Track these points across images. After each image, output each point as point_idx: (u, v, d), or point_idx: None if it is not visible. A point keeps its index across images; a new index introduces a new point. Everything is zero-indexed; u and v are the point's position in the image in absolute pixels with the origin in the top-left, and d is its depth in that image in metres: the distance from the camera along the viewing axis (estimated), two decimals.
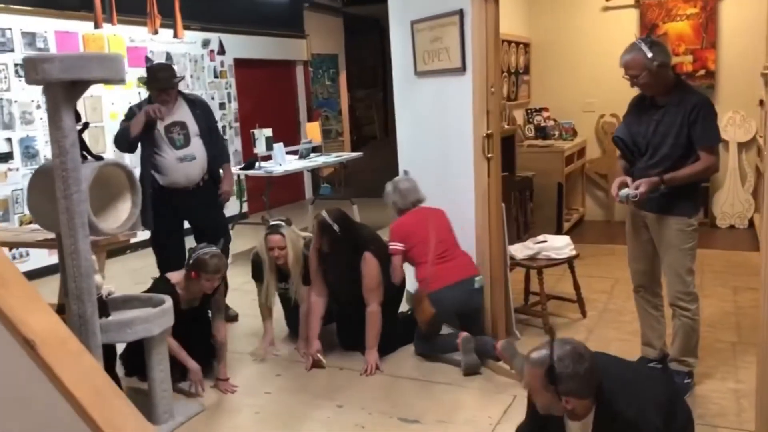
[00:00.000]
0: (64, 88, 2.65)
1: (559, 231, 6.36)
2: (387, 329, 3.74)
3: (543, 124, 7.22)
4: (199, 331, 3.65)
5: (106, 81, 2.81)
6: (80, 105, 6.64)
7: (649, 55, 2.98)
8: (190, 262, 3.49)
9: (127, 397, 2.56)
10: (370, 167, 9.14)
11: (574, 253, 4.34)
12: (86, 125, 2.84)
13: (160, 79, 4.13)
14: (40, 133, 6.09)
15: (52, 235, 3.18)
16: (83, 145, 2.81)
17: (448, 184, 4.04)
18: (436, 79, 4.07)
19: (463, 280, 3.69)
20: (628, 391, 2.06)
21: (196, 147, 4.23)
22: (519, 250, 4.30)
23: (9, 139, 5.86)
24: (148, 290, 3.53)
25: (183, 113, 4.23)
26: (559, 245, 4.30)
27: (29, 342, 2.46)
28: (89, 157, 2.88)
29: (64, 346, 2.54)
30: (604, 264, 5.61)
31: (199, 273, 3.44)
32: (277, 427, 3.15)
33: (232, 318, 4.51)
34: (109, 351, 3.20)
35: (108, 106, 6.79)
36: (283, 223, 3.86)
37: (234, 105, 8.53)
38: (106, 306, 2.94)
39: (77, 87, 2.71)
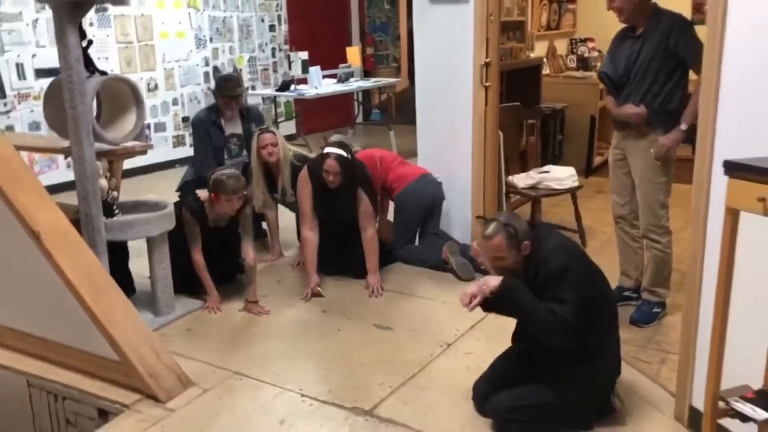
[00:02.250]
0: (68, 7, 2.91)
1: (589, 164, 6.38)
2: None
3: (587, 54, 7.10)
4: (227, 250, 3.75)
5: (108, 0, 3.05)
6: (130, 24, 7.00)
7: None
8: (210, 183, 3.55)
9: (120, 290, 2.94)
10: None
11: (576, 184, 4.41)
12: (90, 42, 3.11)
13: (227, 87, 4.41)
14: (93, 49, 6.42)
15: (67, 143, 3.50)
16: (89, 61, 3.08)
17: (453, 111, 4.16)
18: (446, 6, 4.13)
19: (423, 174, 4.16)
20: (556, 236, 2.55)
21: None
22: (521, 180, 4.40)
23: None
24: (177, 203, 3.67)
25: (238, 126, 4.53)
26: (562, 176, 4.38)
27: (35, 233, 2.83)
28: (96, 72, 3.16)
29: (65, 238, 2.91)
30: None
31: (218, 194, 3.49)
32: (265, 321, 3.47)
33: (263, 235, 4.73)
34: (121, 249, 3.56)
35: (159, 26, 7.08)
36: (272, 126, 4.29)
37: (284, 27, 8.68)
38: (110, 207, 3.27)
39: (81, 6, 2.96)
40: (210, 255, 3.63)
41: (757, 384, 2.02)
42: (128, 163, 4.32)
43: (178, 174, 5.12)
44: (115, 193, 3.30)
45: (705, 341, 2.28)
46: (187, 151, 7.25)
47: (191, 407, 2.69)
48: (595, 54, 7.07)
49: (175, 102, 7.32)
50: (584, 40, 7.18)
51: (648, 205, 3.26)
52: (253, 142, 4.15)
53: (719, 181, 2.10)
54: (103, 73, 3.19)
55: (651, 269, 3.37)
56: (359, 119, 9.69)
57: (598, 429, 2.52)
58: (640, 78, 3.21)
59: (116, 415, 2.71)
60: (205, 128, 4.41)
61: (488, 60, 3.79)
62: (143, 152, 3.86)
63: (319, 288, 3.76)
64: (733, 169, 1.78)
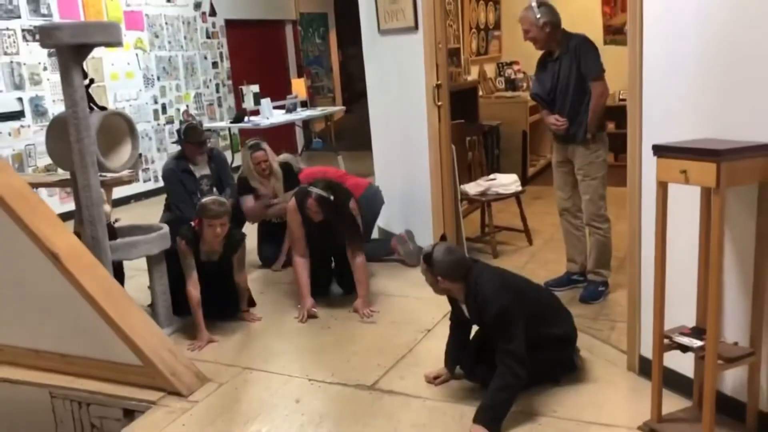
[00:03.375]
0: (72, 51, 3.25)
1: (524, 174, 6.98)
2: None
3: (513, 76, 7.76)
4: (220, 285, 3.81)
5: (108, 44, 3.40)
6: (85, 65, 7.24)
7: (538, 15, 3.64)
8: (197, 209, 3.73)
9: (134, 302, 3.25)
10: (361, 122, 9.73)
11: (519, 188, 4.95)
12: (92, 81, 3.43)
13: (195, 134, 4.74)
14: (47, 92, 6.67)
15: (66, 176, 3.78)
16: (90, 98, 3.40)
17: (407, 129, 4.66)
18: (395, 36, 4.64)
19: (370, 183, 4.91)
20: (488, 277, 2.82)
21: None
22: (472, 188, 4.91)
23: (20, 99, 6.45)
24: (172, 232, 3.80)
25: (206, 167, 4.84)
26: (507, 182, 4.91)
27: (54, 255, 3.13)
28: (95, 108, 3.48)
29: (81, 258, 3.22)
30: None
31: (201, 219, 3.64)
32: (260, 326, 3.81)
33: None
34: (117, 272, 3.83)
35: (109, 67, 7.34)
36: (260, 140, 4.66)
37: (226, 64, 9.06)
38: (114, 230, 3.57)
39: (83, 50, 3.30)
40: (205, 290, 3.71)
41: (691, 324, 2.54)
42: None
43: (134, 209, 5.38)
44: (118, 217, 3.60)
45: (647, 300, 2.81)
46: (141, 186, 7.50)
47: (212, 398, 3.01)
48: (521, 75, 7.74)
49: None
50: (510, 63, 7.85)
51: (590, 197, 3.81)
52: (244, 157, 4.68)
53: (648, 162, 2.62)
54: (103, 108, 3.50)
55: (594, 253, 3.91)
56: (299, 148, 10.12)
57: (565, 384, 2.99)
58: (563, 94, 3.81)
59: (142, 413, 3.00)
60: (177, 178, 4.68)
61: (439, 82, 4.28)
62: (129, 182, 4.17)
63: (314, 309, 3.92)
64: (660, 150, 2.31)
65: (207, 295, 3.71)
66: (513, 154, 6.96)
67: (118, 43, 3.41)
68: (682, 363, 2.66)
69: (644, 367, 2.93)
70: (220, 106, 8.88)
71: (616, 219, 4.67)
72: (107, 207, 3.50)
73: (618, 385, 2.96)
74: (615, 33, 7.38)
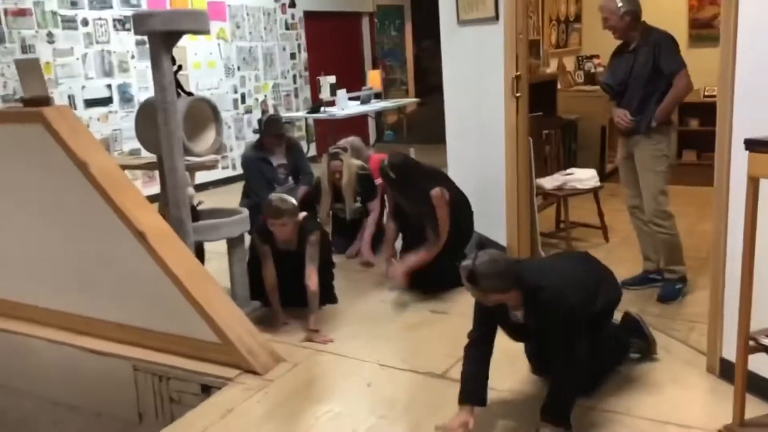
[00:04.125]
0: (163, 38, 3.37)
1: (602, 170, 6.82)
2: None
3: (593, 70, 7.59)
4: (297, 274, 3.66)
5: (196, 32, 3.52)
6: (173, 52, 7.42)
7: (619, 4, 3.56)
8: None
9: (214, 279, 3.36)
10: (434, 115, 9.74)
11: (597, 184, 4.85)
12: (180, 67, 3.55)
13: (274, 127, 5.00)
14: (134, 80, 6.94)
15: (151, 159, 3.93)
16: (177, 84, 3.53)
17: (484, 121, 4.63)
18: (475, 27, 4.61)
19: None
20: (546, 278, 2.62)
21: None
22: (548, 182, 4.84)
23: (109, 85, 6.74)
24: (251, 217, 3.93)
25: (283, 157, 5.10)
26: (584, 177, 4.82)
27: (141, 233, 3.27)
28: (182, 93, 3.60)
29: (166, 238, 3.35)
30: None
31: (266, 217, 3.65)
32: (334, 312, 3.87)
33: None
34: (199, 251, 3.97)
35: (191, 56, 7.57)
36: (341, 151, 4.66)
37: (303, 55, 9.19)
38: (197, 212, 3.70)
39: (173, 37, 3.42)
40: (282, 278, 3.75)
41: None
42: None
43: (213, 195, 5.53)
44: (201, 200, 3.72)
45: (730, 300, 2.71)
46: (220, 173, 7.71)
47: (287, 377, 3.09)
48: (600, 69, 7.55)
49: None
50: (590, 57, 7.68)
51: (650, 192, 3.70)
52: (323, 164, 4.74)
53: (737, 159, 2.53)
54: (189, 94, 3.63)
55: (663, 251, 3.80)
56: (372, 140, 10.18)
57: (640, 385, 2.92)
58: (633, 87, 3.72)
59: (219, 389, 3.10)
60: (257, 165, 4.92)
61: (518, 73, 4.23)
62: (213, 166, 4.29)
63: (393, 260, 4.26)
64: (753, 144, 2.22)
65: (284, 283, 3.73)
66: (591, 149, 6.82)
67: (206, 31, 3.52)
68: (765, 367, 2.57)
69: (725, 370, 2.84)
70: (296, 96, 9.03)
71: (698, 219, 4.53)
72: (191, 190, 3.63)
73: (696, 387, 2.88)
74: (702, 27, 7.12)
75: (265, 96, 8.55)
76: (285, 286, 3.75)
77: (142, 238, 3.23)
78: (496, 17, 4.30)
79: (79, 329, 3.64)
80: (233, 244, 3.84)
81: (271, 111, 8.28)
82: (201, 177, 6.54)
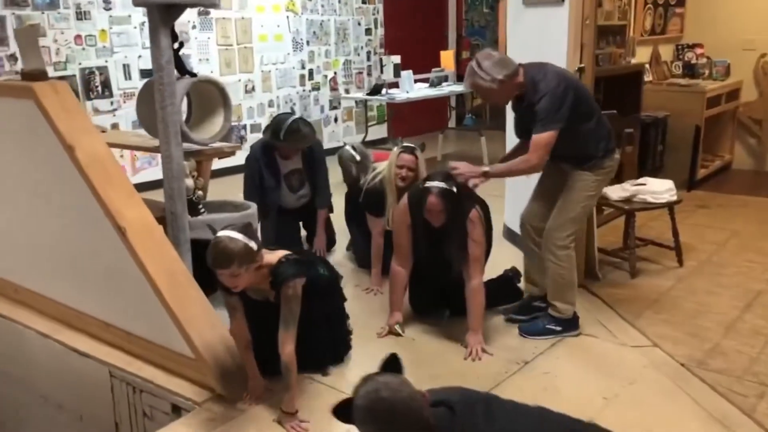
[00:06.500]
0: (162, 11, 2.99)
1: (692, 176, 6.04)
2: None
3: (694, 61, 6.72)
4: (274, 330, 2.65)
5: (200, 5, 3.13)
6: (231, 27, 7.15)
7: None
8: None
9: (200, 289, 3.00)
10: None
11: (674, 198, 4.16)
12: (181, 45, 3.18)
13: (294, 141, 4.08)
14: (194, 51, 6.68)
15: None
16: (179, 63, 3.16)
17: None
18: (540, 9, 4.01)
19: None
20: None
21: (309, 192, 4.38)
22: (615, 191, 4.19)
23: None
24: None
25: (299, 161, 4.29)
26: (659, 189, 4.14)
27: (121, 228, 2.93)
28: (187, 74, 3.24)
29: (150, 235, 3.00)
30: (729, 215, 5.29)
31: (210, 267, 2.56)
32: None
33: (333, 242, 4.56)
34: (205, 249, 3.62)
35: (258, 29, 7.25)
36: (417, 147, 3.83)
37: (380, 31, 8.70)
38: (196, 206, 3.35)
39: (174, 9, 3.04)
40: (262, 334, 2.75)
41: None
42: (219, 163, 4.41)
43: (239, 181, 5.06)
44: (200, 193, 3.37)
45: None
46: None
47: (261, 408, 2.70)
48: (704, 61, 6.68)
49: (270, 104, 7.47)
50: (691, 46, 6.80)
51: None
52: (392, 156, 3.83)
53: None
54: (193, 75, 3.26)
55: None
56: (452, 124, 9.60)
57: None
58: None
59: (188, 412, 2.75)
60: (256, 170, 4.15)
61: (582, 65, 3.62)
62: (232, 153, 3.93)
63: (398, 327, 3.35)
64: None
65: (267, 341, 2.68)
66: (681, 151, 6.02)
67: (212, 5, 3.12)
68: None
69: None
70: (369, 75, 8.57)
71: None
72: (189, 181, 3.27)
73: None
74: None
75: (335, 73, 8.14)
76: (268, 346, 2.68)
77: (122, 234, 2.92)
78: None
79: (72, 323, 3.39)
80: None
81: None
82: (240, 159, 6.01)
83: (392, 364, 1.95)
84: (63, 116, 3.08)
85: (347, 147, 4.17)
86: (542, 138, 2.96)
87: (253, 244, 2.48)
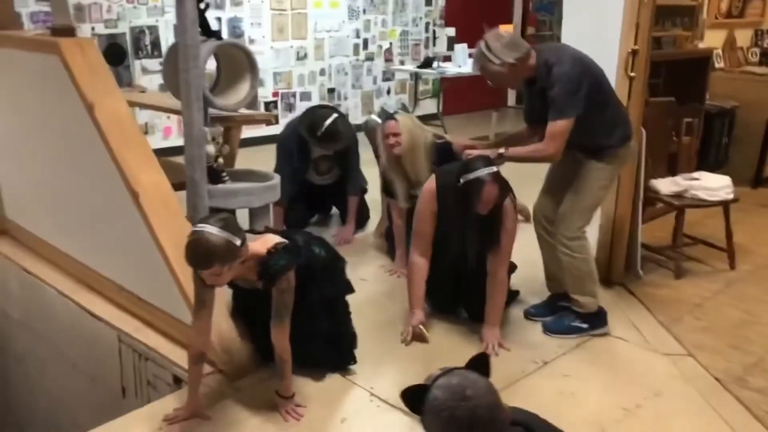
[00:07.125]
0: None
1: (758, 173, 5.64)
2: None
3: None
4: (265, 316, 2.48)
5: None
6: None
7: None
8: None
9: None
10: None
11: (730, 197, 3.84)
12: (207, 6, 3.07)
13: (325, 144, 3.92)
14: (246, 14, 6.60)
15: None
16: (203, 25, 3.05)
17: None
18: None
19: None
20: None
21: (337, 173, 4.24)
22: (666, 185, 3.90)
23: (219, 18, 6.43)
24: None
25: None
26: (714, 186, 3.83)
27: (135, 192, 2.88)
28: (213, 36, 3.13)
29: (163, 202, 2.93)
30: None
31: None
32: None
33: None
34: None
35: None
36: (399, 110, 3.62)
37: (441, 2, 8.42)
38: (218, 174, 3.26)
39: None
40: (256, 322, 2.65)
41: None
42: (255, 131, 4.31)
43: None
44: (221, 160, 3.28)
45: None
46: None
47: (257, 390, 2.61)
48: None
49: (322, 72, 7.35)
50: None
51: None
52: (378, 135, 3.61)
53: None
54: (219, 38, 3.15)
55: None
56: (510, 102, 9.27)
57: None
58: None
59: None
60: (289, 151, 3.98)
61: (636, 48, 3.35)
62: (267, 122, 3.81)
63: (422, 327, 3.04)
64: None
65: (261, 328, 2.56)
66: (749, 145, 5.61)
67: None
68: None
69: None
70: (426, 47, 8.31)
71: None
72: (210, 147, 3.18)
73: None
74: None
75: (390, 44, 7.93)
76: (262, 332, 2.53)
77: (135, 198, 2.85)
78: None
79: (90, 283, 3.38)
80: (255, 216, 3.37)
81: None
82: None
83: (479, 365, 1.65)
84: (86, 74, 3.04)
85: (372, 116, 4.00)
86: (558, 126, 2.75)
87: (235, 240, 2.20)
